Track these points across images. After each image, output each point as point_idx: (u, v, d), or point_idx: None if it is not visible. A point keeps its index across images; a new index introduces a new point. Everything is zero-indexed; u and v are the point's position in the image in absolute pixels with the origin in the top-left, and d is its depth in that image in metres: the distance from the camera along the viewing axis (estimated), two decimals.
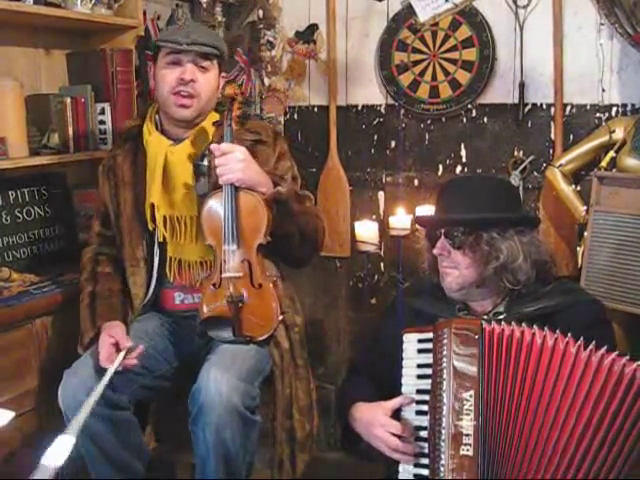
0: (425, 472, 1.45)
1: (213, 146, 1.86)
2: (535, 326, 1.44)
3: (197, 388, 1.75)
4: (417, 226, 2.65)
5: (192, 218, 1.96)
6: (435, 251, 1.64)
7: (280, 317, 1.90)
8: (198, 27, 2.05)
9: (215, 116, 2.02)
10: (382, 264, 3.00)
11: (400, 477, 1.49)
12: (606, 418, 1.34)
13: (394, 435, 1.49)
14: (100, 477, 1.89)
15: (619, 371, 1.35)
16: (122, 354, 1.81)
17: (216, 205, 1.89)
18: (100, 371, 1.81)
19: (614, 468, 1.33)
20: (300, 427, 2.00)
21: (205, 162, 1.97)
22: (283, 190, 1.89)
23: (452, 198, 1.66)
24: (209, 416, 1.71)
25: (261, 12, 2.96)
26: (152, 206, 1.96)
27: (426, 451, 1.46)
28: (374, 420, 1.54)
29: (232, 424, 1.72)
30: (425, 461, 1.45)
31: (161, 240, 1.99)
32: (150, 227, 1.99)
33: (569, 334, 1.41)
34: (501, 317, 1.55)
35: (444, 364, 1.45)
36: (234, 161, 1.83)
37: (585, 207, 2.37)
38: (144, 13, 2.63)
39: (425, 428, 1.47)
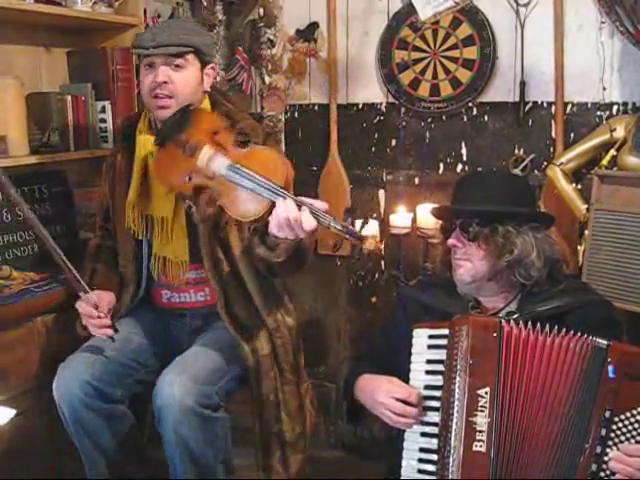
0: (430, 467, 1.45)
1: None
2: (548, 326, 1.45)
3: (154, 391, 1.79)
4: (418, 226, 2.69)
5: (165, 219, 1.96)
6: (449, 241, 1.63)
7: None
8: (169, 26, 1.96)
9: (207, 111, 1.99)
10: (382, 262, 3.00)
11: (403, 473, 1.49)
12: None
13: (399, 401, 1.49)
14: (94, 471, 1.91)
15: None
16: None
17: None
18: (94, 365, 1.85)
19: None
20: (290, 429, 2.00)
21: None
22: None
23: (469, 191, 1.67)
24: (166, 417, 1.75)
25: (262, 10, 2.95)
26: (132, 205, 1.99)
27: (433, 430, 1.47)
28: (379, 389, 1.55)
29: (189, 423, 1.75)
30: (433, 457, 1.46)
31: (138, 237, 2.01)
32: (126, 225, 2.00)
33: (580, 333, 1.43)
34: (515, 316, 1.55)
35: (459, 359, 1.45)
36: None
37: (586, 205, 2.37)
38: (145, 11, 2.63)
39: (434, 424, 1.47)
